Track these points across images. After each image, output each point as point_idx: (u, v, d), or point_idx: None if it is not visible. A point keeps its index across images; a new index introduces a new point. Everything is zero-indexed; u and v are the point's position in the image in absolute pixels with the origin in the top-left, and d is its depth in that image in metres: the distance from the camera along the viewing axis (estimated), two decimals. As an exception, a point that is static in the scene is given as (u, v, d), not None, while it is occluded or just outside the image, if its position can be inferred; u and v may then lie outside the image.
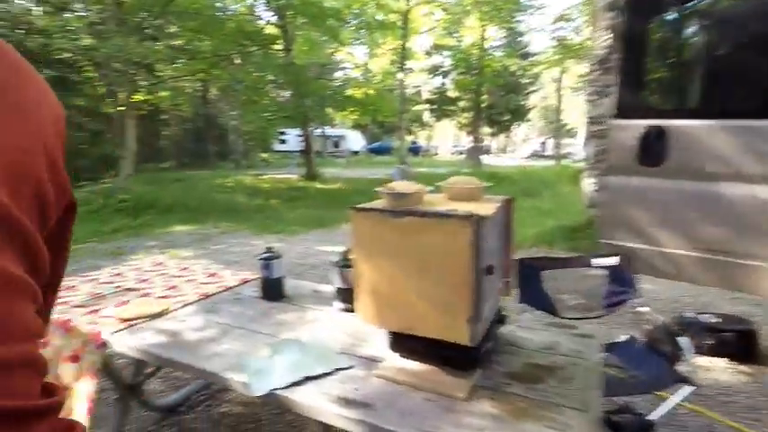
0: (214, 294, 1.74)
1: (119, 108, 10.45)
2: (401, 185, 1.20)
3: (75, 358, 1.43)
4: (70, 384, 1.42)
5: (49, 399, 0.28)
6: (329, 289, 1.79)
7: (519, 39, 22.67)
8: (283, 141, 33.23)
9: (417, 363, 1.17)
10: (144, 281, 1.95)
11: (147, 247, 6.19)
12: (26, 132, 0.29)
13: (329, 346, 1.30)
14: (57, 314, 1.56)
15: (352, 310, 1.47)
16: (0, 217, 0.26)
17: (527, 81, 25.96)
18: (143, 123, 16.17)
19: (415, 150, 30.97)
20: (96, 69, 11.56)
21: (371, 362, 1.22)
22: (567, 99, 28.57)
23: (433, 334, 1.08)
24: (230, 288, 1.84)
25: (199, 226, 7.71)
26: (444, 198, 1.28)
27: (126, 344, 1.34)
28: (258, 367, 1.16)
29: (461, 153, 38.99)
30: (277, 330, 1.42)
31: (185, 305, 1.62)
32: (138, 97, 11.04)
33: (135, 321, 1.47)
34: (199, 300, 1.68)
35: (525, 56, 22.92)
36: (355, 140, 35.45)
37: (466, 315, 1.02)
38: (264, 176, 15.84)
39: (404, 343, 1.18)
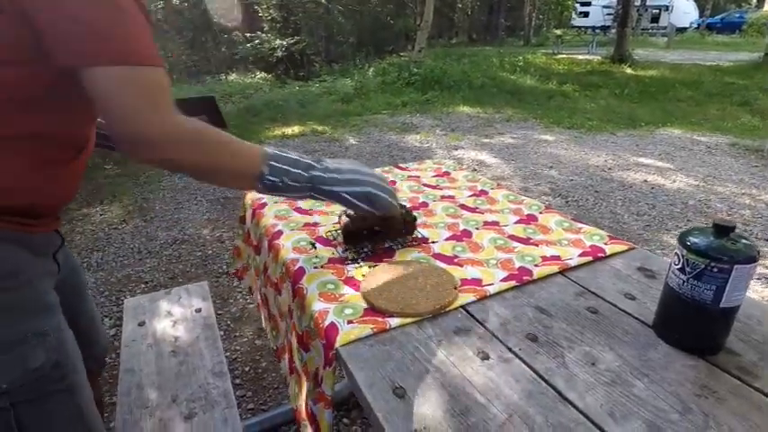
0: (535, 280, 0.86)
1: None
2: None
3: (304, 344, 0.83)
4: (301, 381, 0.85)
5: None
6: None
7: None
8: (584, 14, 28.03)
9: None
10: (421, 205, 1.24)
11: (430, 126, 5.88)
12: None
13: None
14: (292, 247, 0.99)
15: None
16: None
17: None
18: (441, -6, 15.79)
19: (786, 26, 21.08)
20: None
21: None
22: None
23: None
24: (567, 269, 0.92)
25: (481, 109, 6.97)
26: None
27: (367, 398, 0.62)
28: None
29: None
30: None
31: (481, 297, 0.80)
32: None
33: (391, 319, 0.74)
34: (512, 285, 0.84)
35: None
36: (684, 12, 26.66)
37: None
38: (558, 56, 13.56)
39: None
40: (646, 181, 3.88)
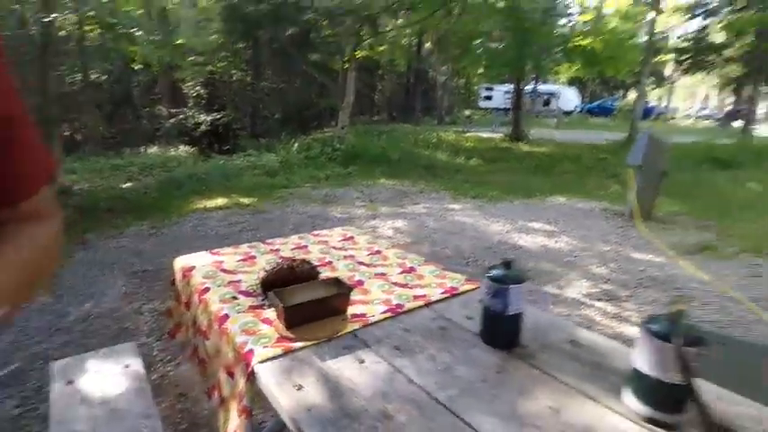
0: (406, 311, 1.16)
1: (344, 63, 11.06)
2: None
3: (230, 372, 1.05)
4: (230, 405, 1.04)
5: None
6: (603, 344, 1.01)
7: None
8: (489, 98, 31.82)
9: None
10: (327, 263, 1.52)
11: (351, 198, 6.31)
12: None
13: None
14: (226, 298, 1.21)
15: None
16: None
17: None
18: (361, 78, 17.28)
19: (647, 112, 25.57)
20: (331, 27, 12.39)
21: None
22: None
23: None
24: (431, 302, 1.24)
25: (398, 181, 7.61)
26: None
27: (274, 393, 0.86)
28: None
29: (709, 118, 31.04)
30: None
31: (365, 325, 1.08)
32: (361, 52, 11.43)
33: (297, 343, 0.99)
34: (388, 315, 1.13)
35: None
36: (569, 99, 31.40)
37: None
38: (467, 134, 15.21)
39: None
40: (535, 242, 4.51)
